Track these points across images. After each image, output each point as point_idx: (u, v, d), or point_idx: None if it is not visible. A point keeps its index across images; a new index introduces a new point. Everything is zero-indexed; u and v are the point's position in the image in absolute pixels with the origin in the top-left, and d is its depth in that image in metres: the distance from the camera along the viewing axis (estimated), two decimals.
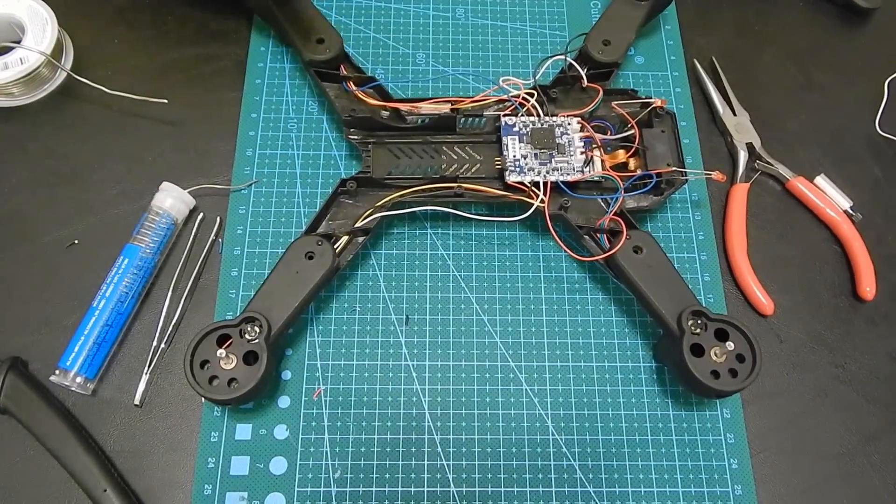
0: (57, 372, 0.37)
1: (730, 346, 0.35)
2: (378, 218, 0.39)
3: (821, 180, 0.45)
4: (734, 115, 0.47)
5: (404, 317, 0.40)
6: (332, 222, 0.39)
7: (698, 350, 0.35)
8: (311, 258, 0.37)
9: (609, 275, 0.40)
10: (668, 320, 0.36)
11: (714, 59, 0.48)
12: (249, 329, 0.35)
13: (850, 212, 0.44)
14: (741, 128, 0.46)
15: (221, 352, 0.34)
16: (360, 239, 0.39)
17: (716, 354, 0.35)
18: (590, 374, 0.39)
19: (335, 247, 0.38)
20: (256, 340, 0.34)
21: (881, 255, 0.43)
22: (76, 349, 0.37)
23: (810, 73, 0.50)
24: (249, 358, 0.34)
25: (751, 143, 0.46)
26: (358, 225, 0.39)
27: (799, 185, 0.45)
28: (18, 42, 0.44)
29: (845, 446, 0.39)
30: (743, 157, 0.45)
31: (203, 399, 0.37)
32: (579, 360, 0.40)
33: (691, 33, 0.50)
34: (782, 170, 0.45)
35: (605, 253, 0.38)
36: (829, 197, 0.44)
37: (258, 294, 0.36)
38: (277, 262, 0.37)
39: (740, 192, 0.44)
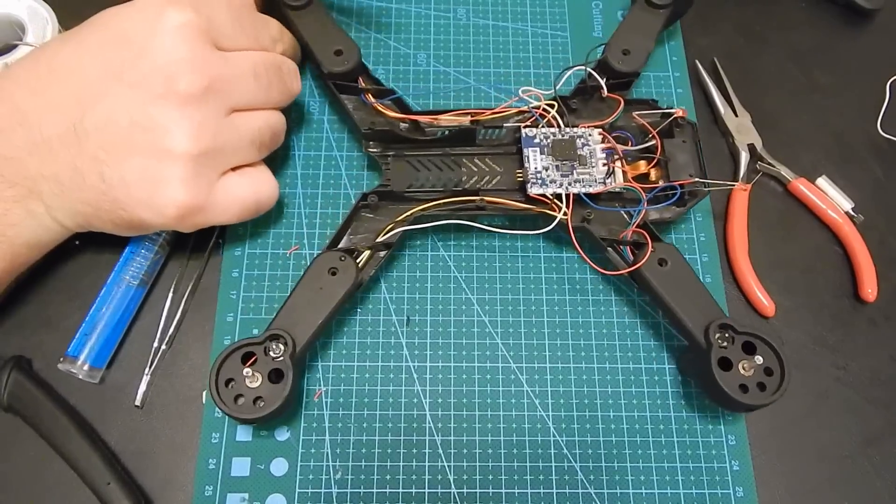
0: (62, 359, 0.37)
1: (758, 359, 0.35)
2: (400, 232, 0.38)
3: (822, 182, 0.45)
4: (735, 115, 0.47)
5: (405, 318, 0.40)
6: (354, 237, 0.39)
7: (726, 364, 0.35)
8: (334, 274, 0.36)
9: (633, 287, 0.39)
10: (695, 333, 0.36)
11: (715, 59, 0.48)
12: (274, 346, 0.34)
13: (852, 213, 0.44)
14: (743, 129, 0.46)
15: (247, 370, 0.33)
16: (382, 253, 0.39)
17: (744, 368, 0.34)
18: (591, 376, 0.39)
19: (357, 261, 0.37)
20: (281, 358, 0.34)
21: (883, 257, 0.43)
22: (83, 336, 0.37)
23: (812, 74, 0.50)
24: (273, 375, 0.34)
25: (752, 144, 0.46)
26: (380, 239, 0.38)
27: (801, 186, 0.44)
28: (19, 42, 0.44)
29: (847, 448, 0.39)
30: (744, 158, 0.45)
31: (203, 401, 0.37)
32: (580, 362, 0.40)
33: (692, 34, 0.50)
34: (784, 171, 0.45)
35: (630, 266, 0.38)
36: (830, 198, 0.44)
37: (282, 311, 0.35)
38: (300, 277, 0.36)
39: (742, 194, 0.44)
